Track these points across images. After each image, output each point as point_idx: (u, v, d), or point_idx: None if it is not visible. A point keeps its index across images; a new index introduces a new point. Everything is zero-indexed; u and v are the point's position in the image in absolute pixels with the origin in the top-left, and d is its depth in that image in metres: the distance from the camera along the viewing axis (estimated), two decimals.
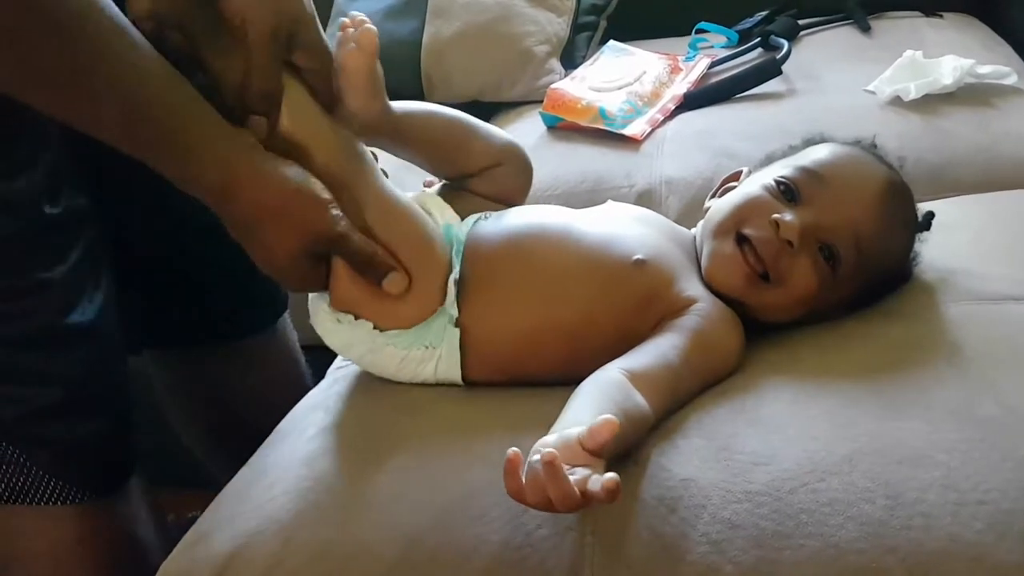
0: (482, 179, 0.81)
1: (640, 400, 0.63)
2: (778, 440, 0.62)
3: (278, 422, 0.78)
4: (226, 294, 0.92)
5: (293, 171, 0.66)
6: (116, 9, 0.59)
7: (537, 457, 0.53)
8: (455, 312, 0.72)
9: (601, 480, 0.52)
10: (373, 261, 0.69)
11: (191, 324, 0.92)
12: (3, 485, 0.73)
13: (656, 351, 0.68)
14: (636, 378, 0.64)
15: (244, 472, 0.72)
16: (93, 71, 0.58)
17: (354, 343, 0.73)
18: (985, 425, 0.61)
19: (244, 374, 0.99)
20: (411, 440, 0.69)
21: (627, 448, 0.61)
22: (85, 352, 0.75)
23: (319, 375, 0.83)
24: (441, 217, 0.77)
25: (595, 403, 0.61)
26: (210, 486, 0.75)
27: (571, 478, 0.52)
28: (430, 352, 0.72)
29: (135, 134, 0.61)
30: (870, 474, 0.58)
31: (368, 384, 0.78)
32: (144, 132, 0.61)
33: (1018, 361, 0.67)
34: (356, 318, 0.72)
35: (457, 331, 0.72)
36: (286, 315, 1.03)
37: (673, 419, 0.66)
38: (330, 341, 0.75)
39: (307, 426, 0.74)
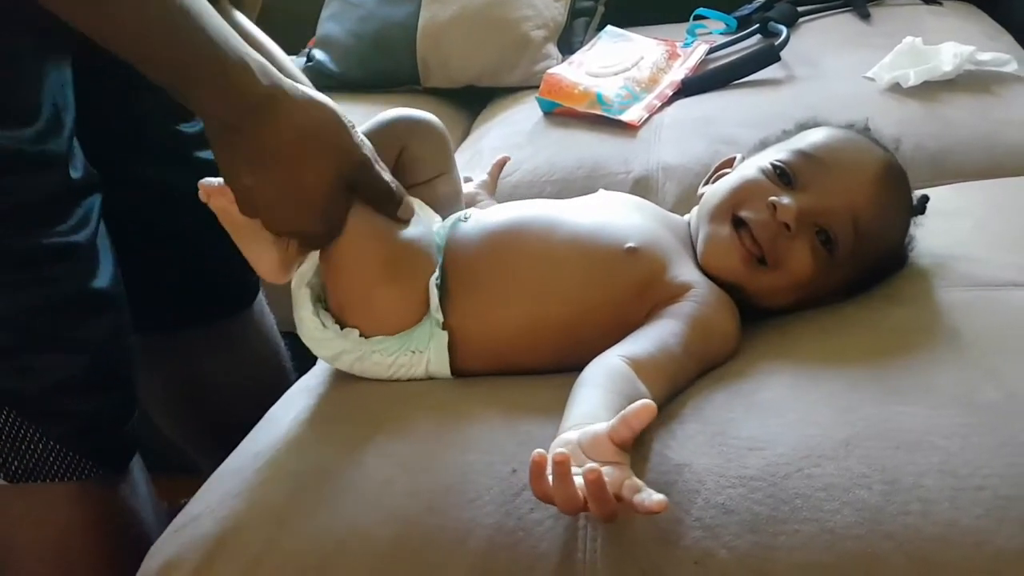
0: (405, 170, 0.78)
1: (644, 389, 0.62)
2: (775, 425, 0.61)
3: (258, 405, 0.77)
4: (202, 273, 0.92)
5: (323, 96, 0.66)
6: None
7: (558, 453, 0.51)
8: (440, 316, 0.71)
9: (651, 500, 0.51)
10: (390, 190, 0.69)
11: (167, 305, 0.91)
12: (17, 463, 0.72)
13: (656, 338, 0.67)
14: (638, 366, 0.64)
15: (235, 455, 0.71)
16: None
17: (342, 353, 0.72)
18: (985, 410, 0.60)
19: (222, 357, 0.99)
20: (404, 424, 0.68)
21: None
22: (105, 320, 0.75)
23: (299, 359, 0.82)
24: (425, 219, 0.76)
25: (603, 394, 0.60)
26: (199, 472, 0.74)
27: (607, 480, 0.51)
28: (418, 357, 0.72)
29: (178, 53, 0.60)
30: (867, 459, 0.58)
31: None
32: (186, 51, 0.60)
33: (1019, 347, 0.66)
34: (343, 327, 0.71)
35: (445, 334, 0.71)
36: (262, 297, 1.02)
37: (670, 404, 0.65)
38: (319, 352, 0.74)
39: (300, 410, 0.73)
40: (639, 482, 0.52)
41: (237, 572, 0.60)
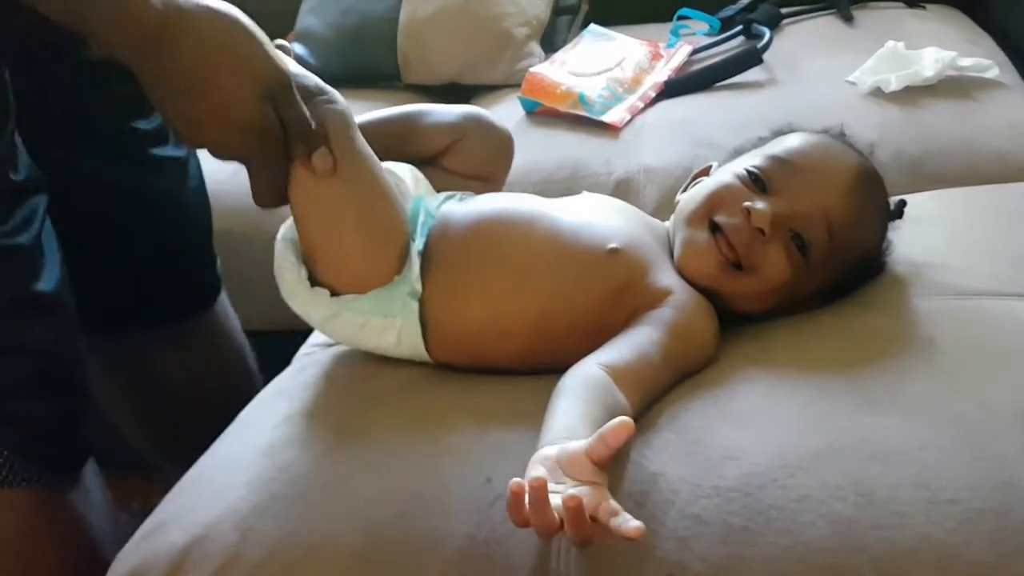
0: (451, 157, 0.80)
1: (623, 400, 0.62)
2: (750, 434, 0.61)
3: (221, 407, 0.76)
4: (160, 274, 0.90)
5: (226, 5, 0.61)
6: None
7: (535, 475, 0.51)
8: (419, 286, 0.70)
9: (628, 526, 0.50)
10: (307, 124, 0.64)
11: (125, 306, 0.90)
12: None
13: (635, 345, 0.67)
14: (617, 374, 0.63)
15: (204, 460, 0.70)
16: None
17: (314, 309, 0.72)
18: (959, 422, 0.60)
19: (183, 357, 0.97)
20: (377, 431, 0.67)
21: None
22: (51, 323, 0.73)
23: (264, 359, 0.81)
24: (415, 188, 0.76)
25: (582, 406, 0.60)
26: (156, 471, 0.73)
27: (585, 500, 0.50)
28: (390, 322, 0.71)
29: None
30: (842, 471, 0.57)
31: (335, 372, 0.76)
32: None
33: (993, 357, 0.66)
34: (313, 284, 0.70)
35: (416, 304, 0.70)
36: (224, 298, 1.01)
37: (646, 412, 0.65)
38: (293, 305, 0.73)
39: (271, 414, 0.72)
40: (616, 505, 0.52)
41: None
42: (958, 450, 0.58)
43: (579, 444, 0.54)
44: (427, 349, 0.72)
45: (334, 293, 0.70)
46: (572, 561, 0.57)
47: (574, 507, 0.50)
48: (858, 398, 0.63)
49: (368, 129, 0.76)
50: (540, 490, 0.50)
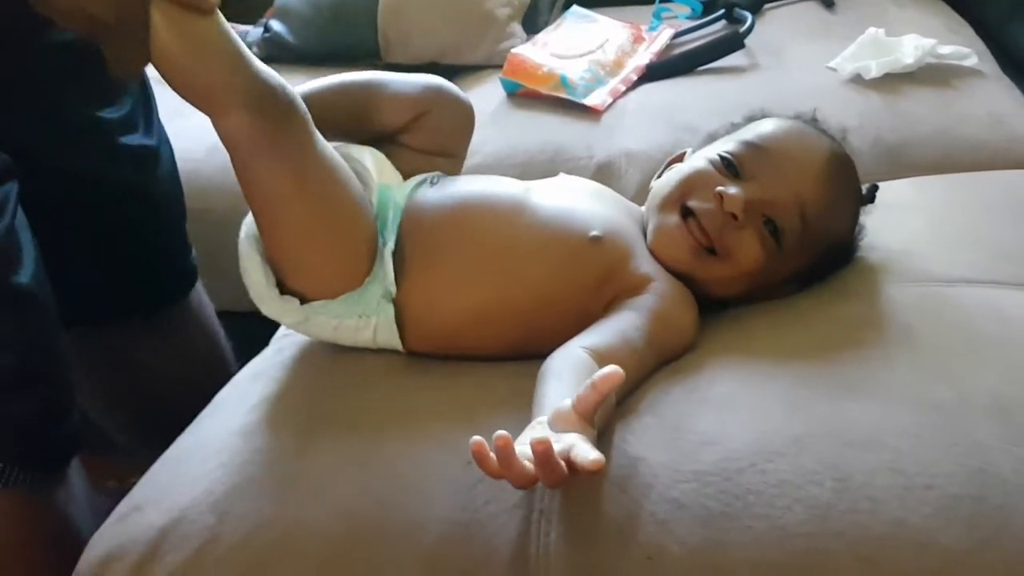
0: (413, 133, 0.76)
1: None
2: (729, 420, 0.61)
3: (197, 397, 0.75)
4: (135, 264, 0.88)
5: None
6: None
7: (499, 436, 0.51)
8: (393, 289, 0.69)
9: (589, 457, 0.50)
10: None
11: (98, 296, 0.88)
12: None
13: (618, 330, 0.67)
14: (601, 357, 0.63)
15: (181, 442, 0.70)
16: None
17: (284, 315, 0.70)
18: (936, 409, 0.60)
19: (159, 347, 0.96)
20: (356, 414, 0.67)
21: (598, 432, 0.59)
22: (28, 317, 0.72)
23: (244, 340, 0.80)
24: (378, 175, 0.73)
25: (570, 388, 0.59)
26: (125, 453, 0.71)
27: (556, 447, 0.51)
28: (364, 322, 0.70)
29: None
30: (819, 456, 0.58)
31: (313, 354, 0.76)
32: None
33: (970, 345, 0.67)
34: (282, 292, 0.69)
35: (391, 307, 0.70)
36: (200, 287, 0.99)
37: (627, 398, 0.65)
38: (262, 308, 0.71)
39: (248, 396, 0.72)
40: (589, 447, 0.52)
41: (179, 564, 0.59)
42: (934, 437, 0.58)
43: (567, 402, 0.55)
44: (404, 345, 0.71)
45: (303, 300, 0.69)
46: (552, 544, 0.57)
47: (541, 450, 0.50)
48: (835, 384, 0.64)
49: (319, 101, 0.71)
50: (504, 447, 0.51)
